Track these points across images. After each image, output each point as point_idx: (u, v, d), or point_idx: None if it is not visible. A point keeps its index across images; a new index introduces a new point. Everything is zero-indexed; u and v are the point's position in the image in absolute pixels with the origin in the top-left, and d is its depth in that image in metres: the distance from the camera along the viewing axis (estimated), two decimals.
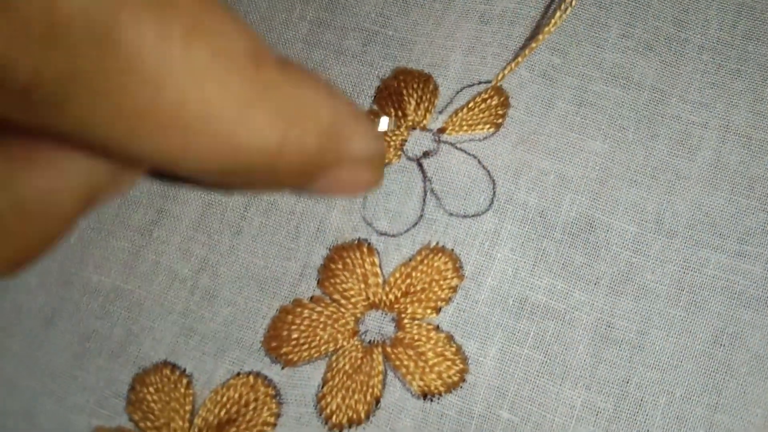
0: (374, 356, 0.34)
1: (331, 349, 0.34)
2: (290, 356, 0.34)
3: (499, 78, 0.36)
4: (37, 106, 0.19)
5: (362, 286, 0.35)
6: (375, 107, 0.37)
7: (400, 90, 0.37)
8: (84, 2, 0.18)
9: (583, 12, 0.37)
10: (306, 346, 0.34)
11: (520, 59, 0.35)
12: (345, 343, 0.34)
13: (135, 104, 0.20)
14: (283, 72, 0.22)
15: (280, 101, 0.22)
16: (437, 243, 0.35)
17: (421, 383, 0.33)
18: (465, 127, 0.36)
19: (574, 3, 0.33)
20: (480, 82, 0.37)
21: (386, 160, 0.36)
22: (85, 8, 0.18)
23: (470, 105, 0.36)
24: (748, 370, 0.33)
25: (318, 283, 0.35)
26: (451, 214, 0.35)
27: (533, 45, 0.34)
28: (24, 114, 0.19)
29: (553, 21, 0.33)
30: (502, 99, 0.36)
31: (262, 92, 0.21)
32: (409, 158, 0.36)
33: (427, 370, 0.33)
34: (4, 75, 0.19)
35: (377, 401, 0.33)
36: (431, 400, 0.33)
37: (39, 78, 0.19)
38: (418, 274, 0.34)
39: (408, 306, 0.34)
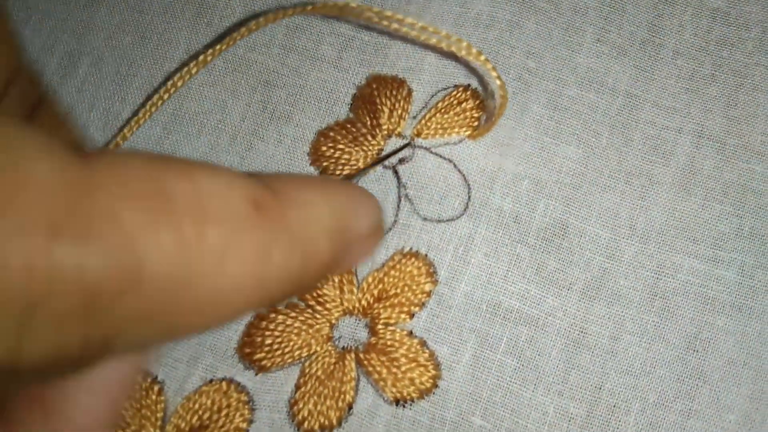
0: (347, 362, 0.33)
1: (304, 355, 0.34)
2: (264, 362, 0.34)
3: None
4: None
5: (337, 292, 0.34)
6: (351, 115, 0.37)
7: (374, 98, 0.37)
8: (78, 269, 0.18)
9: (558, 16, 0.37)
10: (279, 352, 0.34)
11: None
12: (318, 349, 0.34)
13: (173, 307, 0.20)
14: (280, 201, 0.23)
15: (290, 232, 0.22)
16: (411, 248, 0.35)
17: (394, 389, 0.33)
18: (440, 131, 0.36)
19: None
20: (455, 86, 0.37)
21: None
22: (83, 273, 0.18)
23: (445, 108, 0.36)
24: (721, 376, 0.33)
25: None
26: (425, 219, 0.35)
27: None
28: None
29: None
30: (477, 102, 0.36)
31: (272, 234, 0.22)
32: (385, 166, 0.36)
33: (400, 376, 0.33)
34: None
35: (350, 407, 0.33)
36: (404, 406, 0.33)
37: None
38: (391, 279, 0.34)
39: (381, 311, 0.34)
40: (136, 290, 0.18)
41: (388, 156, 0.36)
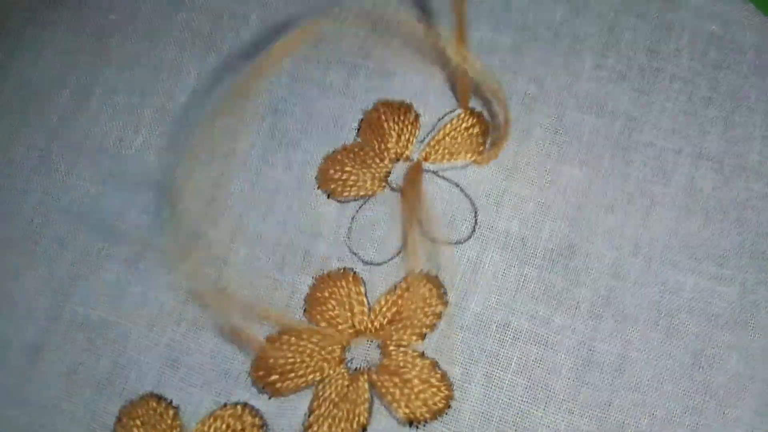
0: (360, 384, 0.34)
1: (317, 379, 0.34)
2: (277, 385, 0.34)
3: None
4: None
5: (348, 314, 0.35)
6: (359, 140, 0.38)
7: (382, 122, 0.37)
8: None
9: (559, 43, 0.39)
10: (293, 375, 0.34)
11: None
12: (331, 372, 0.34)
13: None
14: None
15: None
16: (421, 270, 0.35)
17: (407, 410, 0.34)
18: (447, 155, 0.37)
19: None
20: (462, 110, 0.38)
21: (371, 192, 0.37)
22: None
23: (452, 133, 0.37)
24: (727, 391, 0.34)
25: (304, 312, 0.36)
26: (434, 242, 0.36)
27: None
28: None
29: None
30: (483, 127, 0.37)
31: None
32: (392, 189, 0.37)
33: (413, 397, 0.34)
34: None
35: (364, 429, 0.34)
36: (417, 427, 0.34)
37: None
38: (404, 302, 0.35)
39: (393, 333, 0.35)
40: None
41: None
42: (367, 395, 0.34)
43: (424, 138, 0.37)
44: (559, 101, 0.38)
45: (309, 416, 0.34)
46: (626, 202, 0.36)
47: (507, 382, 0.34)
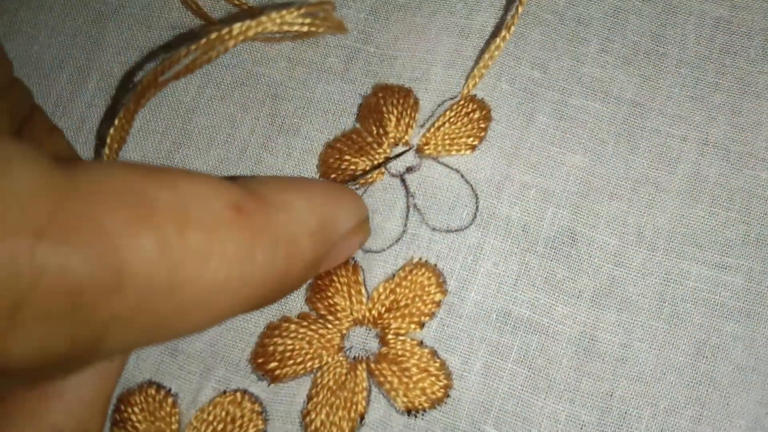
0: (358, 372, 0.34)
1: (316, 366, 0.34)
2: (276, 372, 0.34)
3: (470, 86, 0.36)
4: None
5: (347, 302, 0.35)
6: (357, 125, 0.37)
7: (380, 106, 0.37)
8: (83, 274, 0.18)
9: (563, 27, 0.38)
10: (292, 362, 0.34)
11: (489, 62, 0.35)
12: (330, 360, 0.34)
13: (157, 308, 0.20)
14: (263, 204, 0.23)
15: (272, 233, 0.23)
16: (420, 258, 0.35)
17: (405, 399, 0.33)
18: (448, 142, 0.36)
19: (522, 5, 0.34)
20: (462, 96, 0.37)
21: (370, 179, 0.36)
22: (89, 279, 0.18)
23: (452, 119, 0.36)
24: (731, 382, 0.33)
25: (305, 299, 0.35)
26: (434, 229, 0.35)
27: (494, 49, 0.35)
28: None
29: (506, 24, 0.34)
30: (484, 112, 0.37)
31: (254, 236, 0.22)
32: (392, 175, 0.36)
33: (411, 385, 0.33)
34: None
35: (362, 417, 0.33)
36: (416, 416, 0.33)
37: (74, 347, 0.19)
38: (402, 290, 0.35)
39: (392, 321, 0.34)
40: (119, 291, 0.18)
41: (390, 159, 0.36)
42: (365, 384, 0.34)
43: (424, 123, 0.37)
44: (563, 87, 0.37)
45: (307, 404, 0.34)
46: (630, 190, 0.36)
47: (507, 371, 0.34)
